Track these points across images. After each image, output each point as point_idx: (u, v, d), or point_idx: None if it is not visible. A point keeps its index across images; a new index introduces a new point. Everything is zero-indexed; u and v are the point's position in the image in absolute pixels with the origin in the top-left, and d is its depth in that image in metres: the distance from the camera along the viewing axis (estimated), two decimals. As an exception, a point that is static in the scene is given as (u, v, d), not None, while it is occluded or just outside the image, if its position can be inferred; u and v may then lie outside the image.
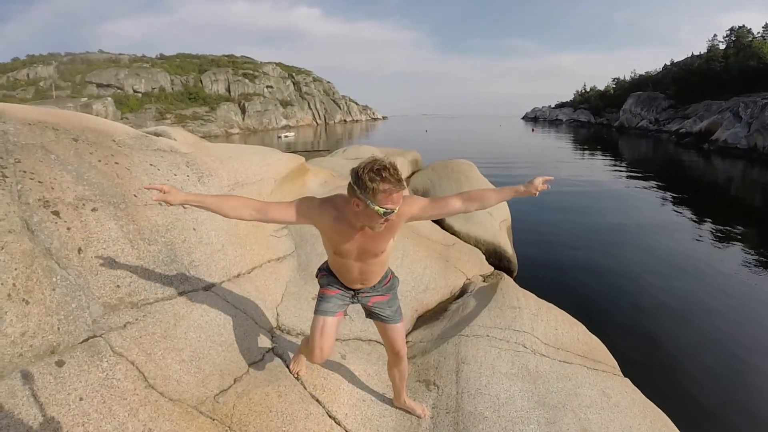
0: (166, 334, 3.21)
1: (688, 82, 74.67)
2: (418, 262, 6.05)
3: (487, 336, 4.33)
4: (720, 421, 5.80)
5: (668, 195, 22.31)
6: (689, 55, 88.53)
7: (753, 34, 75.57)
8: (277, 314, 4.31)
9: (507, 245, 9.04)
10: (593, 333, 4.94)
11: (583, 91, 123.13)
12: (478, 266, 7.20)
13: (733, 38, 77.17)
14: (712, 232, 16.64)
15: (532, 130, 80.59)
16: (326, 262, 2.97)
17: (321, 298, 2.88)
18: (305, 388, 3.35)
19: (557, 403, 3.60)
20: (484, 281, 6.57)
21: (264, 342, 3.77)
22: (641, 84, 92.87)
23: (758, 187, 30.70)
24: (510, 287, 5.32)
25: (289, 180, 6.52)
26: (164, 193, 2.25)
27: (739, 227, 17.31)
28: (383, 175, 2.12)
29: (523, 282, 8.72)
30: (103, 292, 3.17)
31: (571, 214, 15.58)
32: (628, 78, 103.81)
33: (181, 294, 3.64)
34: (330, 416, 3.20)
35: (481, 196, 2.61)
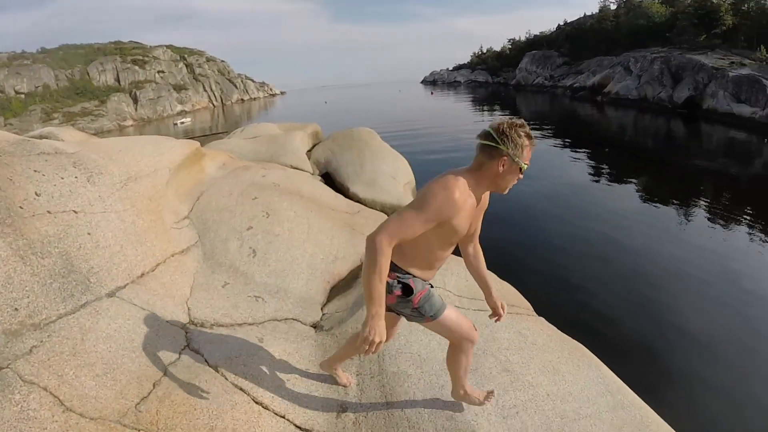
0: (75, 351, 3.07)
1: (581, 40, 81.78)
2: (324, 233, 6.13)
3: None
4: (631, 346, 6.62)
5: (566, 143, 24.52)
6: (582, 15, 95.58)
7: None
8: (188, 309, 4.23)
9: None
10: (504, 279, 5.33)
11: (480, 52, 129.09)
12: None
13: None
14: (609, 175, 18.55)
15: (431, 93, 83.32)
16: (402, 274, 2.60)
17: (429, 297, 2.69)
18: (227, 379, 3.36)
19: (477, 350, 3.88)
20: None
21: (179, 340, 3.70)
22: (536, 44, 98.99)
23: (650, 132, 35.00)
24: None
25: (184, 167, 6.30)
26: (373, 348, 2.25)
27: (633, 168, 19.47)
28: (527, 130, 2.28)
29: None
30: (2, 318, 2.99)
31: None
32: (523, 38, 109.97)
33: (84, 306, 3.47)
34: (256, 402, 3.24)
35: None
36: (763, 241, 12.05)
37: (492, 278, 3.04)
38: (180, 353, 3.53)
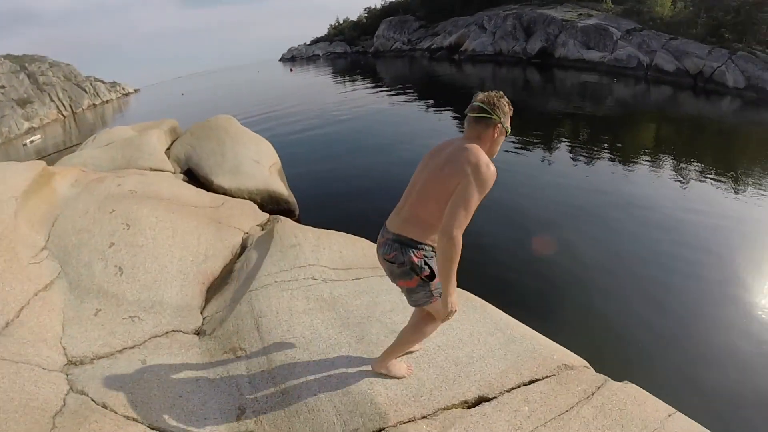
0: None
1: (435, 3, 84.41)
2: (189, 233, 5.76)
3: (276, 282, 4.48)
4: (515, 285, 6.99)
5: (430, 102, 25.45)
6: None
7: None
8: (64, 348, 3.80)
9: (281, 187, 9.40)
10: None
11: (337, 23, 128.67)
12: (252, 217, 7.23)
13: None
14: None
15: (291, 69, 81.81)
16: (427, 250, 2.66)
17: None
18: (117, 413, 3.08)
19: (361, 318, 3.83)
20: (262, 230, 6.61)
21: (60, 386, 3.32)
22: (392, 10, 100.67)
23: (508, 82, 37.42)
24: (286, 228, 5.55)
25: (33, 193, 5.58)
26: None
27: None
28: (507, 99, 2.64)
29: (307, 217, 9.21)
30: None
31: (343, 145, 16.48)
32: (379, 6, 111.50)
33: (-55, 374, 3.03)
34: (153, 429, 3.02)
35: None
36: (625, 171, 13.42)
37: None
38: (64, 399, 3.19)
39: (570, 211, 10.24)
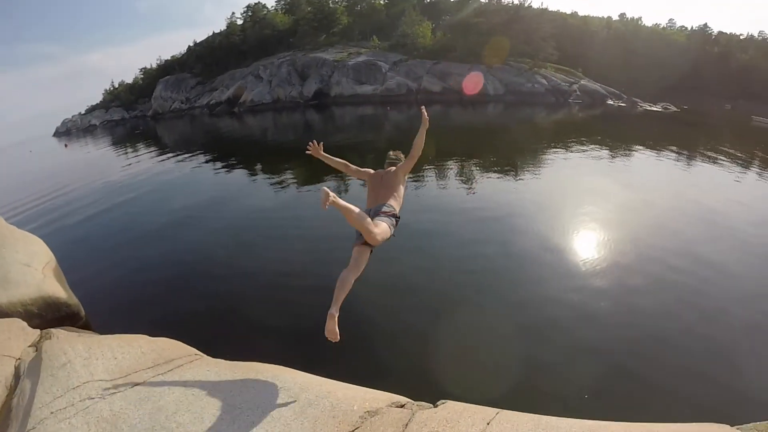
0: None
1: (212, 57, 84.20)
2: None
3: (51, 413, 3.82)
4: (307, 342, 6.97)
5: (217, 161, 24.99)
6: (211, 34, 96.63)
7: (267, 8, 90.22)
8: None
9: (59, 291, 8.04)
10: (169, 331, 4.96)
11: (113, 88, 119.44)
12: (22, 338, 6.12)
13: (250, 13, 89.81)
14: (262, 173, 19.67)
15: (65, 145, 73.30)
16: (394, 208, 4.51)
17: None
18: None
19: (146, 430, 3.44)
20: (35, 351, 5.72)
21: None
22: (168, 69, 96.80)
23: (290, 127, 38.78)
24: (55, 345, 4.83)
25: None
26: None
27: (277, 161, 21.35)
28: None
29: (97, 317, 8.17)
30: None
31: (131, 229, 14.44)
32: (155, 66, 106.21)
33: None
34: None
35: (415, 144, 4.64)
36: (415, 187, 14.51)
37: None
38: None
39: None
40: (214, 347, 5.18)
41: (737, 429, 3.10)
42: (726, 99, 52.24)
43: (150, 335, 5.14)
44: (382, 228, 3.99)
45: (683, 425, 3.26)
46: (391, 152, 5.06)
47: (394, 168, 4.76)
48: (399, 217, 4.42)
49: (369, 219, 3.88)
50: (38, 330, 6.55)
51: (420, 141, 4.57)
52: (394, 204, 4.48)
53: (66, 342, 4.82)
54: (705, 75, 58.01)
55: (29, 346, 5.84)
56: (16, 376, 5.15)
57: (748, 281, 8.95)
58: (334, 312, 3.70)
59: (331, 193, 3.36)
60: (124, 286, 9.92)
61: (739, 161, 20.01)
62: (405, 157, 4.77)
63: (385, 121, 35.91)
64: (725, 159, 20.37)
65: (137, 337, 4.82)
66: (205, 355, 4.56)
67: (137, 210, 16.22)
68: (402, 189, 4.66)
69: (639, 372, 6.28)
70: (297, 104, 54.72)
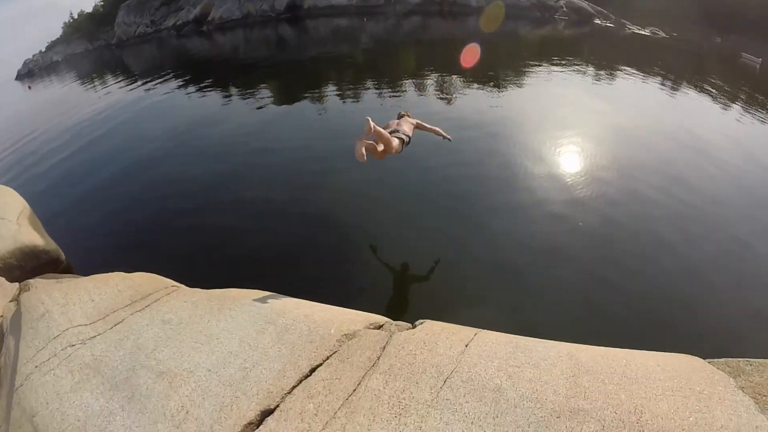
0: None
1: None
2: None
3: (36, 367, 3.86)
4: (291, 266, 7.06)
5: (190, 85, 24.15)
6: None
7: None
8: None
9: (36, 239, 7.90)
10: (150, 267, 4.96)
11: (72, 20, 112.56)
12: (1, 294, 6.18)
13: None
14: (238, 95, 19.20)
15: (29, 87, 70.31)
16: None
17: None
18: None
19: (127, 372, 3.49)
20: (16, 305, 5.73)
21: None
22: None
23: (262, 43, 37.25)
24: (32, 297, 4.78)
25: None
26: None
27: (255, 80, 20.66)
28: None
29: (79, 259, 8.16)
30: None
31: (107, 165, 14.08)
32: None
33: None
34: None
35: (431, 129, 6.50)
36: (395, 96, 14.29)
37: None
38: None
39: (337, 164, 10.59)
40: (192, 277, 5.22)
41: (709, 362, 3.15)
42: (717, 31, 50.37)
43: (129, 271, 5.15)
44: (395, 142, 5.28)
45: (657, 354, 3.33)
46: (402, 111, 6.39)
47: (408, 118, 6.27)
48: (409, 140, 5.78)
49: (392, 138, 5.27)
50: (17, 283, 6.52)
51: (431, 129, 6.47)
52: (408, 131, 5.86)
53: (43, 291, 4.79)
54: (699, 4, 55.57)
55: (10, 302, 5.82)
56: (0, 335, 5.19)
57: (729, 209, 8.94)
58: (363, 138, 4.80)
59: (372, 122, 4.72)
60: (103, 225, 9.81)
61: (725, 95, 19.58)
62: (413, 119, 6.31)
63: (361, 33, 34.56)
64: (711, 91, 19.94)
65: (113, 275, 4.82)
66: (182, 286, 4.59)
67: (109, 147, 15.64)
68: (412, 128, 6.06)
69: (617, 299, 6.35)
70: (269, 18, 51.87)
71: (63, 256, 8.04)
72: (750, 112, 17.00)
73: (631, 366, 3.05)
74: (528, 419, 2.67)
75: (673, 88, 19.74)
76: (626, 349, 3.36)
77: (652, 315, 6.10)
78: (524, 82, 18.33)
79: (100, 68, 50.14)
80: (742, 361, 3.15)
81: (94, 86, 35.65)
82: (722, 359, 3.21)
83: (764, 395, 2.81)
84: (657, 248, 7.50)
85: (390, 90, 17.12)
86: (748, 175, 10.65)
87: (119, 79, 33.81)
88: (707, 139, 12.68)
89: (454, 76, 19.00)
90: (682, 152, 11.47)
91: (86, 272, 6.58)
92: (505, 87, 17.37)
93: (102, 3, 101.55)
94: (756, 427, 2.54)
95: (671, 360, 3.20)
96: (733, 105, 18.11)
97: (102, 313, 4.18)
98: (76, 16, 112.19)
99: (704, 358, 3.23)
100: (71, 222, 10.10)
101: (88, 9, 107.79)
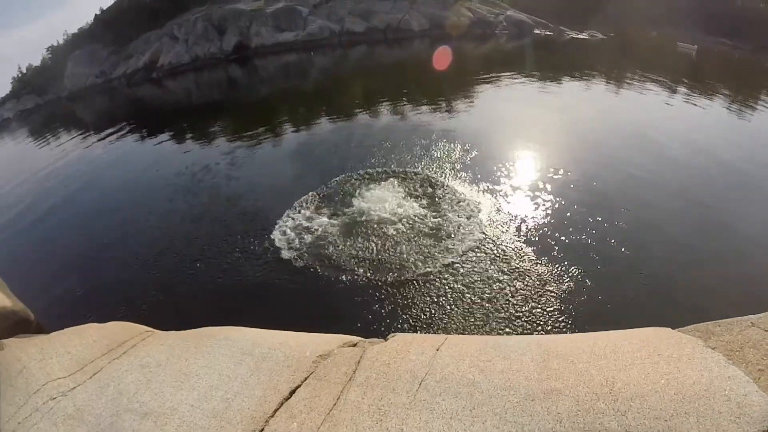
0: None
1: (122, 22, 76.62)
2: None
3: (19, 424, 3.85)
4: (263, 299, 7.12)
5: (144, 133, 24.00)
6: None
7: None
8: None
9: (2, 299, 7.81)
10: (120, 315, 5.01)
11: (20, 74, 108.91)
12: None
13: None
14: (189, 139, 19.34)
15: None
16: None
17: None
18: None
19: (111, 417, 3.55)
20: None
21: None
22: (77, 43, 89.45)
23: (213, 86, 37.45)
24: (8, 354, 4.74)
25: None
26: None
27: (207, 124, 20.91)
28: None
29: (51, 316, 7.98)
30: None
31: (58, 222, 13.66)
32: (62, 42, 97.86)
33: None
34: None
35: None
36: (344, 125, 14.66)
37: None
38: None
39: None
40: (164, 321, 5.26)
41: (678, 331, 3.34)
42: (652, 25, 53.02)
43: (101, 321, 5.15)
44: None
45: (626, 331, 3.51)
46: None
47: None
48: None
49: None
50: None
51: None
52: None
53: (18, 349, 4.76)
54: (632, 3, 58.39)
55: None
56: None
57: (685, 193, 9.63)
58: None
59: None
60: (67, 280, 9.63)
61: (667, 85, 20.67)
62: None
63: (310, 67, 35.30)
64: (653, 84, 21.02)
65: (86, 326, 4.83)
66: (156, 330, 4.65)
67: (64, 203, 15.31)
68: None
69: (585, 282, 6.73)
70: (218, 60, 52.09)
71: (32, 316, 7.90)
72: (696, 92, 18.19)
73: (598, 344, 3.26)
74: (504, 406, 2.86)
75: (617, 87, 20.80)
76: (593, 332, 3.59)
77: (620, 298, 6.47)
78: (474, 98, 18.98)
79: (53, 123, 49.06)
80: (710, 324, 3.36)
81: (48, 142, 34.89)
82: (690, 326, 3.42)
83: (736, 350, 3.01)
84: (613, 230, 8.11)
85: (343, 118, 17.55)
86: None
87: (72, 134, 33.16)
88: (652, 129, 13.50)
89: (405, 100, 19.51)
90: (628, 139, 12.30)
91: (57, 328, 6.52)
92: (456, 105, 17.92)
93: (50, 56, 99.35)
94: (728, 377, 2.74)
95: (638, 334, 3.41)
96: (676, 92, 19.23)
97: (80, 364, 4.21)
98: (25, 71, 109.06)
99: (673, 328, 3.42)
100: (35, 280, 9.90)
101: (37, 62, 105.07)
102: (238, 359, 3.81)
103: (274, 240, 8.93)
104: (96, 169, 19.11)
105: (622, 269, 7.08)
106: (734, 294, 6.47)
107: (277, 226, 9.45)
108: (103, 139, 25.67)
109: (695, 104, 17.24)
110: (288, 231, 9.18)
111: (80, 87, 78.16)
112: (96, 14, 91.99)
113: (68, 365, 4.31)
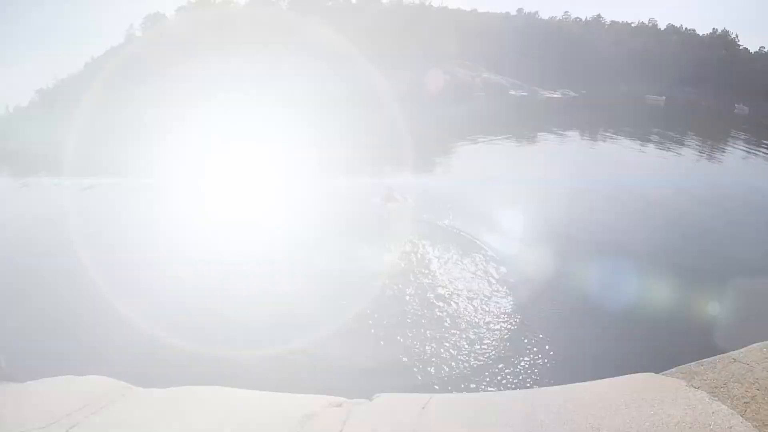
0: None
1: None
2: None
3: None
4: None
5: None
6: (110, 48, 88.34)
7: (167, 17, 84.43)
8: None
9: None
10: (94, 368, 4.90)
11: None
12: None
13: (150, 24, 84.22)
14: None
15: None
16: None
17: None
18: None
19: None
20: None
21: None
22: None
23: None
24: None
25: None
26: None
27: None
28: None
29: (21, 367, 7.58)
30: None
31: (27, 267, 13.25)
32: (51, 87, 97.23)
33: None
34: None
35: None
36: None
37: None
38: None
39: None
40: (143, 376, 5.04)
41: (663, 375, 3.39)
42: (622, 81, 55.52)
43: (75, 374, 4.94)
44: None
45: (613, 379, 3.52)
46: None
47: None
48: None
49: None
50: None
51: None
52: None
53: (-14, 403, 4.58)
54: (602, 61, 61.15)
55: None
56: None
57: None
58: None
59: None
60: (36, 330, 9.21)
61: (638, 137, 21.29)
62: None
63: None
64: (623, 136, 21.64)
65: (62, 378, 4.65)
66: (135, 387, 4.49)
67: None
68: None
69: (567, 335, 6.76)
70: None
71: (2, 362, 7.65)
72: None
73: (584, 394, 3.28)
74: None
75: (591, 141, 21.28)
76: (580, 383, 3.58)
77: (603, 344, 6.45)
78: (454, 158, 19.09)
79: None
80: (693, 365, 3.40)
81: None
82: (674, 368, 3.43)
83: (720, 387, 3.04)
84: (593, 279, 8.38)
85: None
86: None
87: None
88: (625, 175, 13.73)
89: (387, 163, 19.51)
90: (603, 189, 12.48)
91: (28, 377, 6.28)
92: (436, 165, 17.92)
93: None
94: (712, 413, 2.78)
95: (624, 381, 3.43)
96: (648, 142, 19.63)
97: (55, 417, 4.04)
98: (11, 110, 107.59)
99: (657, 372, 3.45)
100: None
101: (26, 103, 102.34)
102: (222, 420, 3.66)
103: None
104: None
105: (606, 317, 7.07)
106: (716, 333, 6.50)
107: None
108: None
109: (666, 149, 17.74)
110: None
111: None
112: (87, 63, 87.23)
113: (43, 417, 4.13)
